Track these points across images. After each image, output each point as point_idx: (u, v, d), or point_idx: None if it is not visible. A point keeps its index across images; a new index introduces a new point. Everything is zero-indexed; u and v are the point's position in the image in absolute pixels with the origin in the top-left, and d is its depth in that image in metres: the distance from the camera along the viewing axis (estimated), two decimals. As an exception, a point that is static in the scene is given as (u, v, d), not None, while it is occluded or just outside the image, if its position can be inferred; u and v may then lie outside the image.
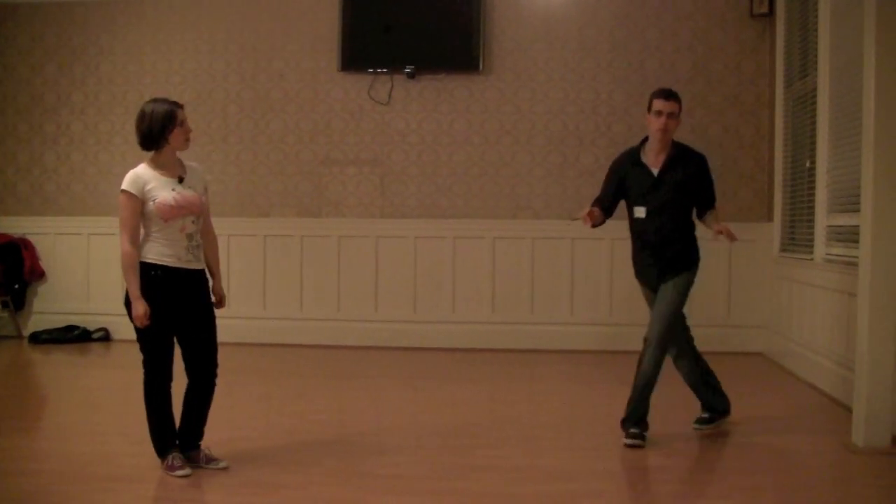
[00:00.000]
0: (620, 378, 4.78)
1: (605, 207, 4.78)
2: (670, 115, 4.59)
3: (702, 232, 4.78)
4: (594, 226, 4.64)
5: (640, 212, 4.67)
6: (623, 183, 4.73)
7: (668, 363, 4.72)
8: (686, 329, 4.82)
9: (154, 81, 8.06)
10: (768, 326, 7.31)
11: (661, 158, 4.65)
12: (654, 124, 4.61)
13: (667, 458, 4.42)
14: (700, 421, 4.90)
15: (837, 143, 5.82)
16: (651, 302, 4.78)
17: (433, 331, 7.75)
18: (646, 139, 4.74)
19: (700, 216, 4.77)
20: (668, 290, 4.63)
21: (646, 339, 4.65)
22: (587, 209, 4.67)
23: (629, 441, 4.53)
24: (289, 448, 4.52)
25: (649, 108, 4.66)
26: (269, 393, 6.18)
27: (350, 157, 7.94)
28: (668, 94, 4.63)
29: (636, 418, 4.58)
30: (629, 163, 4.74)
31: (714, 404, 4.89)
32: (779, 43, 7.16)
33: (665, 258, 4.64)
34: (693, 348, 4.86)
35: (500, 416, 5.33)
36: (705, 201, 4.74)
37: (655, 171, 4.64)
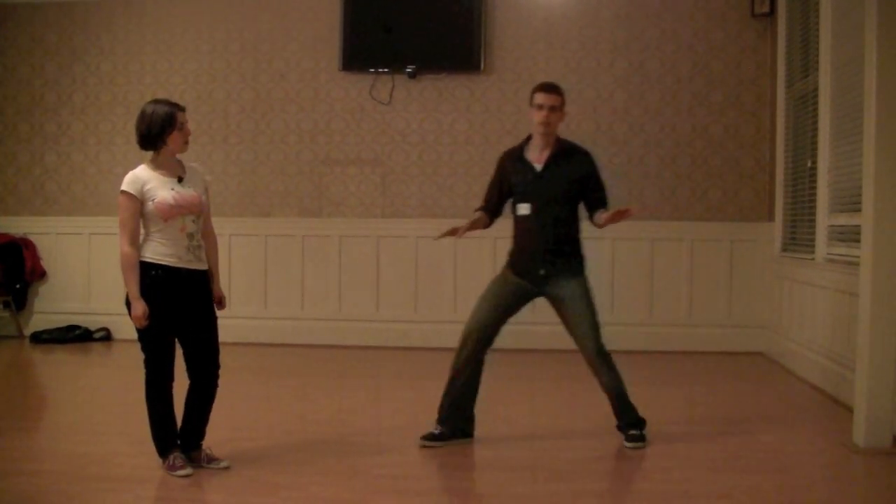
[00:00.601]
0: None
1: (491, 208, 4.71)
2: (552, 109, 4.49)
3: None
4: (469, 230, 4.53)
5: (523, 209, 4.56)
6: (506, 180, 4.64)
7: (581, 362, 4.65)
8: (487, 347, 4.64)
9: (154, 81, 8.06)
10: (769, 326, 7.31)
11: (546, 154, 4.56)
12: (536, 117, 4.52)
13: (667, 458, 4.42)
14: (428, 437, 4.54)
15: (838, 142, 5.81)
16: (494, 297, 4.63)
17: (434, 331, 7.74)
18: (530, 137, 4.65)
19: (592, 218, 4.60)
20: (577, 309, 4.50)
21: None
22: (446, 229, 4.57)
23: (629, 444, 4.52)
24: (289, 448, 4.51)
25: (531, 102, 4.56)
26: (270, 393, 6.18)
27: (351, 157, 7.94)
28: (549, 88, 4.54)
29: (632, 422, 4.59)
30: (512, 159, 4.65)
31: (452, 420, 4.59)
32: (780, 42, 7.15)
33: (549, 260, 4.51)
34: (479, 366, 4.63)
35: (499, 416, 5.32)
36: (595, 201, 4.57)
37: (539, 167, 4.55)
